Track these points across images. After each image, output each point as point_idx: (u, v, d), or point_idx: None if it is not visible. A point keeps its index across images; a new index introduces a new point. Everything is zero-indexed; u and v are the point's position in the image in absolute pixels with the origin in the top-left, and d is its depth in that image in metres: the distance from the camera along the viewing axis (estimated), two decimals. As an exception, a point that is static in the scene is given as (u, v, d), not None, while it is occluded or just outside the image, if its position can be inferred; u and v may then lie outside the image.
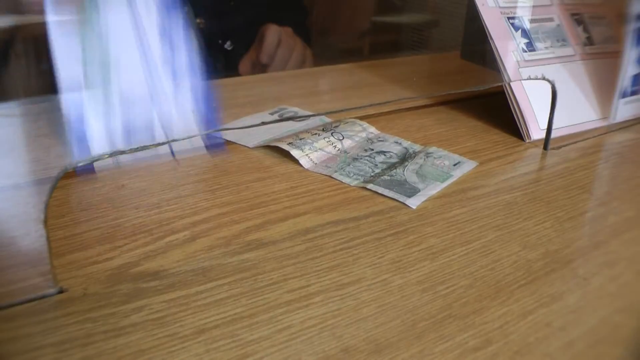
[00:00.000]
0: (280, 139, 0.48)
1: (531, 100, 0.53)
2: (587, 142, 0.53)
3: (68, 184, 0.41)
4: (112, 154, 0.31)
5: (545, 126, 0.51)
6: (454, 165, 0.45)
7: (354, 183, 0.42)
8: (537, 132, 0.52)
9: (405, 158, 0.46)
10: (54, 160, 0.43)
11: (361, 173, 0.44)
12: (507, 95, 0.53)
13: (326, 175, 0.43)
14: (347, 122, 0.52)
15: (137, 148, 0.33)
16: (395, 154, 0.47)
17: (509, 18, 0.54)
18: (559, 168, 0.47)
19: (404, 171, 0.44)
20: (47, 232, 0.29)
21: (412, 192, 0.41)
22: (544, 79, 0.50)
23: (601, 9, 0.61)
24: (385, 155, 0.47)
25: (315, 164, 0.45)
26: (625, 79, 0.54)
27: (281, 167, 0.45)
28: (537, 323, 0.29)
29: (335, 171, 0.44)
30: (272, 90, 0.65)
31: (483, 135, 0.54)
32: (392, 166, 0.45)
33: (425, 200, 0.40)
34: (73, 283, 0.30)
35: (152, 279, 0.31)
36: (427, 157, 0.46)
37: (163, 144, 0.35)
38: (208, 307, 0.29)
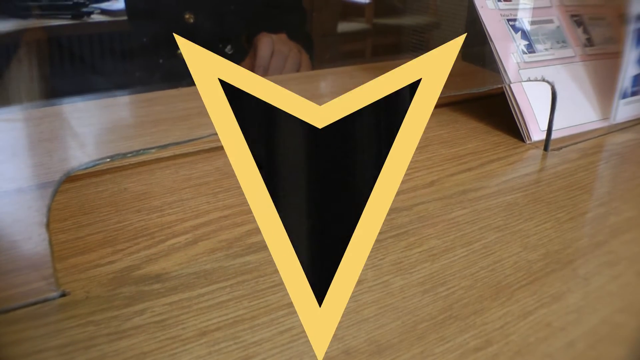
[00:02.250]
0: None
1: (531, 102, 0.53)
2: (588, 143, 0.53)
3: (70, 188, 0.41)
4: (113, 157, 0.31)
5: (546, 127, 0.51)
6: None
7: None
8: (537, 133, 0.52)
9: None
10: (56, 164, 0.44)
11: None
12: (507, 97, 0.53)
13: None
14: None
15: (139, 151, 0.33)
16: None
17: (508, 20, 0.54)
18: (560, 169, 0.47)
19: None
20: (49, 236, 0.29)
21: None
22: (544, 80, 0.50)
23: (601, 10, 0.62)
24: None
25: None
26: (625, 79, 0.55)
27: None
28: (538, 323, 0.29)
29: None
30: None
31: (484, 136, 0.54)
32: None
33: (428, 202, 0.40)
34: (75, 286, 0.30)
35: (154, 281, 0.31)
36: None
37: (164, 146, 0.35)
38: (210, 310, 0.29)
